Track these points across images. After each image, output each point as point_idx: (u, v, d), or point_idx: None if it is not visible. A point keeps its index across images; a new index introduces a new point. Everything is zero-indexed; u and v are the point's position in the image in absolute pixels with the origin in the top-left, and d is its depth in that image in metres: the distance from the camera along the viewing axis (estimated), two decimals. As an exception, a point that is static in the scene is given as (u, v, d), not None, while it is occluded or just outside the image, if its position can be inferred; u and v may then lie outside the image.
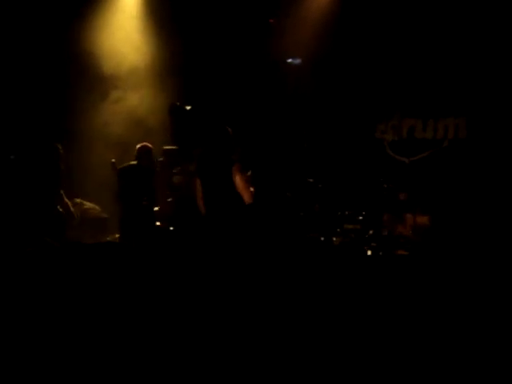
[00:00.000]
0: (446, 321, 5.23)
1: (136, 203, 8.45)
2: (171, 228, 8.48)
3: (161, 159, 9.23)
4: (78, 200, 9.69)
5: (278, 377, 4.49)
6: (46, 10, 9.97)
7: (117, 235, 9.58)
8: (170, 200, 9.24)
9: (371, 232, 9.15)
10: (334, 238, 9.31)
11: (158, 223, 8.78)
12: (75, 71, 10.15)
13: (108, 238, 9.47)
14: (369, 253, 9.00)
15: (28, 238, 7.76)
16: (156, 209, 8.83)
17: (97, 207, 9.73)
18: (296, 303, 5.67)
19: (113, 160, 8.89)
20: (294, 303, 5.66)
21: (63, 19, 10.01)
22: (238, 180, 7.21)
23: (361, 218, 9.41)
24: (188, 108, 9.75)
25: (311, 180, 9.48)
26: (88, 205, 9.67)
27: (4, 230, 8.03)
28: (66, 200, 8.82)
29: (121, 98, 10.30)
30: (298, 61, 10.90)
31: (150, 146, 8.76)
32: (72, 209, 8.97)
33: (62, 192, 8.69)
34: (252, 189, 7.38)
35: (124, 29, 10.42)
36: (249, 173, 7.73)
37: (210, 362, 4.48)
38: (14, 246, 7.36)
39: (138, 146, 8.72)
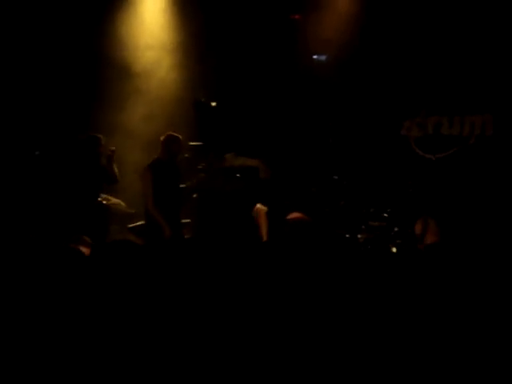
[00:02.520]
0: (467, 318, 5.21)
1: (163, 202, 8.36)
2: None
3: (186, 155, 9.22)
4: (104, 195, 9.72)
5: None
6: (77, 3, 10.02)
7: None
8: (194, 196, 9.27)
9: (396, 229, 9.13)
10: (359, 235, 9.30)
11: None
12: (105, 65, 10.19)
13: (132, 237, 9.49)
14: (393, 250, 8.98)
15: (71, 234, 7.78)
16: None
17: (122, 203, 9.74)
18: (319, 299, 5.67)
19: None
20: (317, 299, 5.65)
21: (94, 12, 10.05)
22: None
23: (386, 215, 9.38)
24: (213, 104, 9.80)
25: (336, 177, 9.47)
26: (114, 200, 9.68)
27: (45, 227, 8.07)
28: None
29: (146, 92, 10.32)
30: (323, 57, 10.89)
31: (176, 135, 8.58)
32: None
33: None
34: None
35: (151, 22, 10.45)
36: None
37: (224, 363, 4.50)
38: (57, 243, 7.39)
39: (163, 136, 8.56)
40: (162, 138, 8.49)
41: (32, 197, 8.78)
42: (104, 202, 8.64)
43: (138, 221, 9.64)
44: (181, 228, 8.49)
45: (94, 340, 4.55)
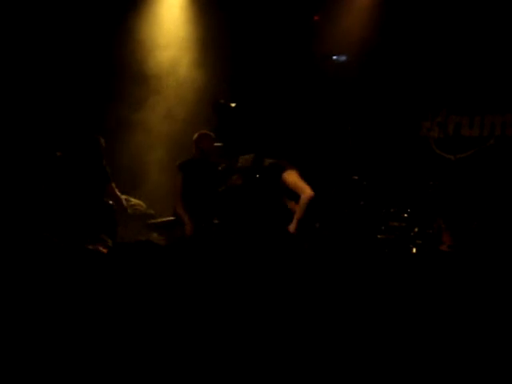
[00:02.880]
0: (489, 319, 5.20)
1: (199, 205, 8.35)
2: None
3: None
4: (124, 196, 9.74)
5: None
6: (96, 3, 10.07)
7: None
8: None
9: (416, 230, 9.11)
10: (379, 236, 9.28)
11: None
12: (124, 65, 10.22)
13: (154, 234, 9.51)
14: (414, 250, 8.96)
15: (80, 234, 7.81)
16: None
17: (142, 203, 9.78)
18: (340, 299, 5.67)
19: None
20: (338, 299, 5.65)
21: (112, 11, 10.09)
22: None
23: (406, 215, 9.36)
24: (233, 105, 9.79)
25: (356, 177, 9.45)
26: (134, 201, 9.72)
27: (55, 228, 8.08)
28: (118, 193, 8.79)
29: (165, 94, 10.35)
30: (343, 58, 10.87)
31: (205, 132, 8.59)
32: (124, 202, 8.98)
33: (113, 185, 8.63)
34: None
35: (170, 20, 10.48)
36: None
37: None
38: (70, 244, 7.42)
39: (196, 135, 8.53)
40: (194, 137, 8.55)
41: (45, 197, 8.81)
42: (110, 202, 8.63)
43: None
44: (211, 228, 8.45)
45: (115, 339, 4.57)
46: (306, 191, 7.66)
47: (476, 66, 10.00)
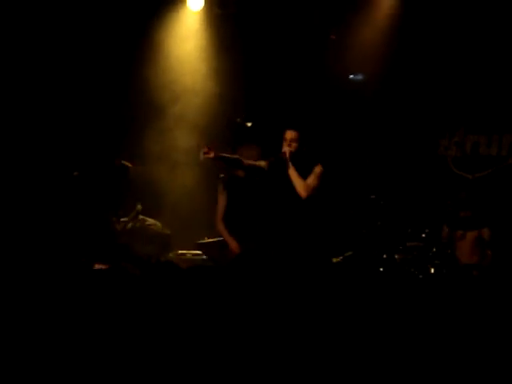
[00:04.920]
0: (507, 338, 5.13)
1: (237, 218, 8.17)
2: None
3: (222, 176, 9.16)
4: (141, 216, 9.74)
5: None
6: (115, 28, 10.11)
7: (179, 251, 9.60)
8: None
9: (434, 249, 9.05)
10: (397, 256, 9.22)
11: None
12: (144, 90, 10.24)
13: (170, 255, 9.50)
14: (432, 271, 8.90)
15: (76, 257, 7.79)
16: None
17: (158, 223, 9.77)
18: (357, 319, 5.62)
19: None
20: (354, 319, 5.61)
21: (132, 36, 10.14)
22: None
23: (423, 235, 9.31)
24: (249, 125, 9.79)
25: (373, 196, 9.41)
26: (150, 221, 9.71)
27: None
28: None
29: (183, 114, 10.34)
30: (359, 77, 10.88)
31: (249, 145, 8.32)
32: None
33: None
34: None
35: (185, 44, 10.49)
36: None
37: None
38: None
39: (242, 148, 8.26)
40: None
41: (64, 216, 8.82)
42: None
43: (175, 241, 9.66)
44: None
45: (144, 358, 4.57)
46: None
47: (494, 85, 9.96)
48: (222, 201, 8.17)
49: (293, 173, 7.45)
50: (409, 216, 9.82)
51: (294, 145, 7.48)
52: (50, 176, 9.28)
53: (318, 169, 7.54)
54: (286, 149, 7.47)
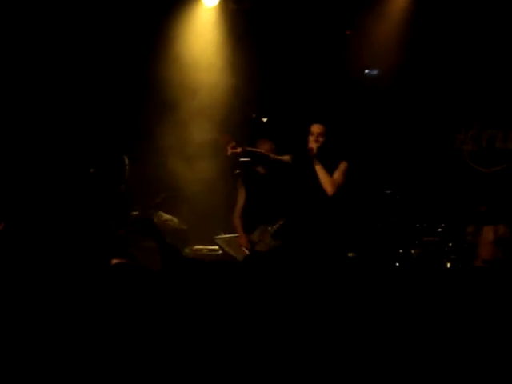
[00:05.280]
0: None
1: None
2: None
3: (238, 171, 9.17)
4: (159, 212, 9.78)
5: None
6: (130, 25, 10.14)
7: (196, 247, 9.63)
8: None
9: (450, 244, 9.04)
10: (413, 251, 9.22)
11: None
12: (159, 85, 10.26)
13: (186, 250, 9.52)
14: (448, 265, 8.89)
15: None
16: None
17: (175, 219, 9.79)
18: (375, 314, 5.64)
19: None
20: (372, 314, 5.62)
21: (148, 31, 10.17)
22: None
23: (440, 230, 9.30)
24: (264, 120, 9.79)
25: (389, 191, 9.41)
26: (166, 216, 9.74)
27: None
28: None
29: (199, 108, 10.35)
30: (375, 72, 10.86)
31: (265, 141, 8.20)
32: None
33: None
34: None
35: (200, 40, 10.50)
36: None
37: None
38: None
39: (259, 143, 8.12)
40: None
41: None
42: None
43: (192, 236, 9.69)
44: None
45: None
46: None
47: (510, 80, 9.92)
48: (241, 197, 8.18)
49: (320, 169, 7.41)
50: (425, 211, 9.81)
51: (320, 139, 7.44)
52: (67, 172, 9.32)
53: (343, 165, 7.51)
54: (312, 144, 7.44)
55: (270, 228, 7.81)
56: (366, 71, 10.87)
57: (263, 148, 7.91)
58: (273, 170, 7.92)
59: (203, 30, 10.47)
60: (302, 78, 10.67)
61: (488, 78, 10.09)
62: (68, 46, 9.92)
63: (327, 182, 7.37)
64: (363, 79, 10.86)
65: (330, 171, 7.42)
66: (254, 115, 9.94)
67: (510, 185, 9.66)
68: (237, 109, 10.26)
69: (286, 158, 7.59)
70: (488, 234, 8.67)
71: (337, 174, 7.45)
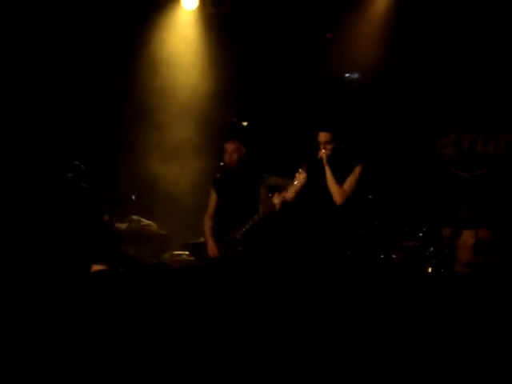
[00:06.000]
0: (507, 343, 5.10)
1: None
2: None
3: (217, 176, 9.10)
4: (136, 217, 9.74)
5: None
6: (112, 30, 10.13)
7: (175, 252, 9.58)
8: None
9: (431, 249, 9.03)
10: (394, 255, 9.21)
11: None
12: (140, 87, 10.24)
13: (166, 256, 9.49)
14: (429, 270, 8.88)
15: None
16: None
17: (154, 224, 9.77)
18: (355, 319, 5.59)
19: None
20: (352, 320, 5.58)
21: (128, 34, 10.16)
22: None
23: (421, 234, 9.29)
24: (245, 124, 9.77)
25: (370, 196, 9.38)
26: (145, 222, 9.71)
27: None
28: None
29: (177, 111, 10.33)
30: (356, 75, 10.85)
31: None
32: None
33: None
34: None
35: (180, 43, 10.49)
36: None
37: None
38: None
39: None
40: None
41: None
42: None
43: (171, 242, 9.64)
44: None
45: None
46: None
47: (491, 84, 9.94)
48: (211, 201, 7.98)
49: (330, 179, 7.31)
50: (406, 215, 9.80)
51: (328, 147, 7.34)
52: (44, 178, 9.26)
53: (358, 169, 7.43)
54: (322, 153, 7.33)
55: (237, 233, 7.65)
56: (347, 75, 10.86)
57: (230, 147, 7.79)
58: (244, 174, 7.81)
59: (183, 33, 10.48)
60: (281, 82, 10.65)
61: (469, 82, 10.10)
62: (46, 50, 9.88)
63: (337, 192, 7.28)
64: (343, 82, 10.85)
65: (345, 177, 7.34)
66: (234, 119, 9.91)
67: (490, 189, 9.68)
68: (216, 112, 10.24)
69: (301, 177, 7.44)
70: (468, 237, 8.66)
71: (348, 183, 7.35)
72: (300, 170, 7.30)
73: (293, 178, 7.37)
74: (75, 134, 9.98)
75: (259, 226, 7.57)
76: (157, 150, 10.05)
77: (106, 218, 8.93)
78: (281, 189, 7.48)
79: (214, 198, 7.92)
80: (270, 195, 7.50)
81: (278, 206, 7.42)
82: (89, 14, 10.00)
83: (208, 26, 10.53)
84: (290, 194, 7.40)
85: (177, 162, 10.08)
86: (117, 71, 10.26)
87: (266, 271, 7.25)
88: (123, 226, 9.63)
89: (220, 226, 7.81)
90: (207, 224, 7.89)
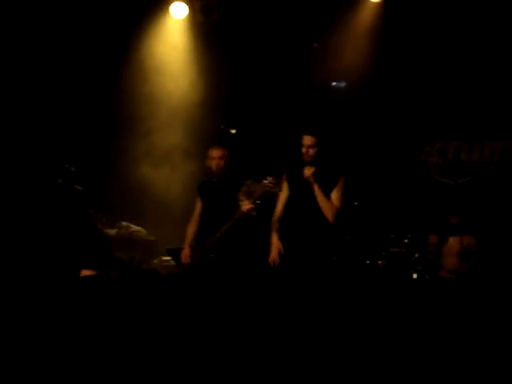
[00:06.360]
0: (492, 349, 5.18)
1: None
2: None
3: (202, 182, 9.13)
4: (125, 223, 9.78)
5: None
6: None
7: (164, 258, 9.61)
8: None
9: (417, 255, 9.11)
10: (380, 262, 9.27)
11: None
12: (127, 93, 10.29)
13: (155, 261, 9.52)
14: (414, 276, 8.95)
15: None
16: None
17: (143, 230, 9.81)
18: (339, 325, 5.66)
19: None
20: (337, 325, 5.65)
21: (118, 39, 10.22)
22: None
23: (406, 241, 9.36)
24: (233, 131, 9.81)
25: (356, 203, 9.45)
26: (134, 228, 9.75)
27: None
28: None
29: (167, 119, 10.37)
30: (342, 84, 10.92)
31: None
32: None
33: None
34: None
35: (169, 52, 10.54)
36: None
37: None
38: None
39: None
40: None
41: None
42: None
43: (160, 247, 9.67)
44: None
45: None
46: None
47: (475, 93, 10.04)
48: (197, 207, 7.99)
49: (321, 197, 7.26)
50: (391, 222, 9.87)
51: (311, 151, 7.28)
52: (33, 183, 9.28)
53: (342, 180, 7.39)
54: (307, 172, 7.27)
55: (211, 239, 7.63)
56: (334, 83, 10.93)
57: (214, 154, 7.82)
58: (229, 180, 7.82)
59: (172, 41, 10.53)
60: (269, 90, 10.71)
61: (454, 90, 10.19)
62: (36, 56, 9.91)
63: (328, 209, 7.25)
64: (330, 91, 10.91)
65: (331, 189, 7.29)
66: (222, 126, 9.96)
67: (475, 196, 9.77)
68: (206, 118, 10.28)
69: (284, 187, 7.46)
70: (453, 244, 8.75)
71: (336, 198, 7.29)
72: (270, 178, 7.27)
73: (274, 183, 7.37)
74: (64, 140, 10.00)
75: (233, 233, 7.57)
76: (147, 156, 10.09)
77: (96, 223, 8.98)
78: (251, 194, 7.43)
79: (198, 203, 7.97)
80: (241, 201, 7.44)
81: (253, 213, 7.39)
82: (78, 22, 10.04)
83: (197, 34, 10.57)
84: (277, 208, 7.43)
85: (167, 167, 10.12)
86: (107, 78, 10.29)
87: (236, 278, 7.28)
88: (112, 231, 9.67)
89: (204, 232, 7.83)
90: (189, 229, 7.94)
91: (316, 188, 7.25)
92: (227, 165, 7.78)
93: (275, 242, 7.38)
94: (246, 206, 7.27)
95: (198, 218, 7.94)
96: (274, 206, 7.63)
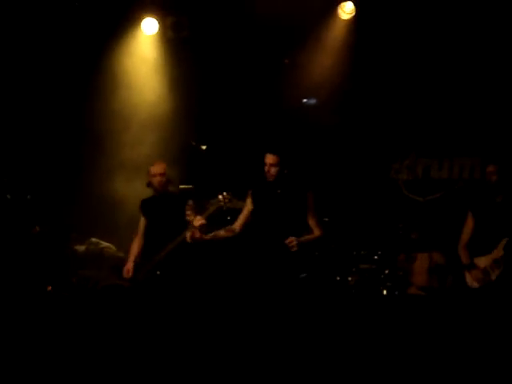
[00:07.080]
0: (461, 364, 5.22)
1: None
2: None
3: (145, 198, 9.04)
4: (95, 239, 9.72)
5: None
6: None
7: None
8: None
9: (387, 272, 9.15)
10: (350, 278, 9.30)
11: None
12: (99, 104, 10.28)
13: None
14: (384, 292, 8.99)
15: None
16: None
17: (112, 246, 9.75)
18: (311, 341, 5.67)
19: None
20: (309, 341, 5.66)
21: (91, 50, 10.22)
22: None
23: (376, 257, 9.40)
24: (204, 147, 9.80)
25: (326, 219, 9.48)
26: (104, 244, 9.69)
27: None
28: None
29: (137, 135, 10.35)
30: (313, 101, 10.96)
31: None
32: None
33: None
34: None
35: (140, 67, 10.54)
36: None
37: None
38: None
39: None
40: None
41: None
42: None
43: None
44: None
45: None
46: None
47: (445, 111, 10.13)
48: (141, 221, 7.99)
49: (308, 241, 7.13)
50: (362, 238, 9.90)
51: (273, 170, 7.17)
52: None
53: (310, 200, 7.26)
54: (290, 241, 6.99)
55: (156, 257, 7.52)
56: (304, 100, 10.97)
57: (155, 171, 7.69)
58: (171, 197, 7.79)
59: (143, 56, 10.53)
60: (239, 106, 10.74)
61: (424, 108, 10.28)
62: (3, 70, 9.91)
63: (316, 227, 7.17)
64: (301, 108, 10.95)
65: (300, 204, 7.19)
66: (193, 142, 9.94)
67: (444, 213, 9.83)
68: (177, 133, 10.28)
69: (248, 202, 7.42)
70: (422, 261, 8.81)
71: (312, 214, 7.20)
72: (225, 194, 7.21)
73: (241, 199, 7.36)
74: (36, 157, 9.99)
75: (180, 250, 7.49)
76: (119, 170, 10.04)
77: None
78: (204, 210, 7.34)
79: (142, 220, 7.93)
80: (191, 217, 7.38)
81: (198, 232, 7.28)
82: (49, 37, 10.05)
83: (167, 50, 10.58)
84: (238, 221, 7.40)
85: (138, 181, 10.09)
86: (78, 93, 10.31)
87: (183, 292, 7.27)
88: (82, 248, 9.61)
89: (149, 248, 7.74)
90: (133, 245, 7.92)
91: (302, 240, 7.07)
92: (168, 182, 7.74)
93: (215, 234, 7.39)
94: (197, 221, 7.18)
95: (142, 235, 7.91)
96: (226, 222, 7.64)
